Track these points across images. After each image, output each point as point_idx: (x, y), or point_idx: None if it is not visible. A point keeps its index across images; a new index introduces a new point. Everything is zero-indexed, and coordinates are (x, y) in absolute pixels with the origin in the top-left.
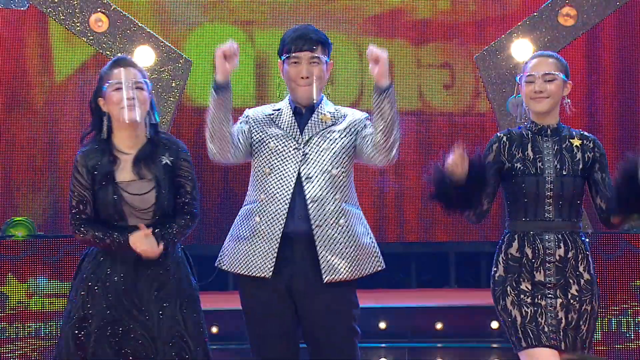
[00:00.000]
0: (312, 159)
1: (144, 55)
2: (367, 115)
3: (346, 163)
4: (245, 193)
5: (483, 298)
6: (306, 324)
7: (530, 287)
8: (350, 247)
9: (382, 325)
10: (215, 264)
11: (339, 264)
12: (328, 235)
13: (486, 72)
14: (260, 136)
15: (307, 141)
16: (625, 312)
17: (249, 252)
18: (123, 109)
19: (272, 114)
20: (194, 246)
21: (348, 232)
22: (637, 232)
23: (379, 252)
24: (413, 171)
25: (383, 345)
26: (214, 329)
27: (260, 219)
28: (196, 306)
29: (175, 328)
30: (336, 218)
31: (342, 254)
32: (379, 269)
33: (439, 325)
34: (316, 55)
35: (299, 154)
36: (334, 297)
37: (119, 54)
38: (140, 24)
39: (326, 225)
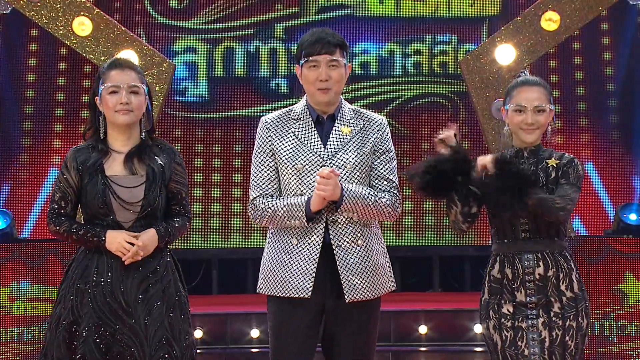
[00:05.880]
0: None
1: None
2: (385, 121)
3: (366, 182)
4: (225, 197)
5: (467, 302)
6: (330, 339)
7: (511, 310)
8: (369, 267)
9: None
10: (257, 291)
11: (358, 284)
12: (347, 256)
13: (470, 76)
14: (285, 163)
15: (331, 158)
16: (608, 316)
17: (288, 274)
18: (116, 113)
19: (293, 126)
20: (178, 250)
21: (366, 252)
22: (620, 236)
23: (392, 272)
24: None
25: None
26: (199, 333)
27: (298, 241)
28: (183, 311)
29: (161, 332)
30: (355, 239)
31: (362, 274)
32: (392, 289)
33: (422, 329)
34: (335, 58)
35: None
36: (358, 317)
37: (118, 55)
38: (123, 28)
39: (345, 246)
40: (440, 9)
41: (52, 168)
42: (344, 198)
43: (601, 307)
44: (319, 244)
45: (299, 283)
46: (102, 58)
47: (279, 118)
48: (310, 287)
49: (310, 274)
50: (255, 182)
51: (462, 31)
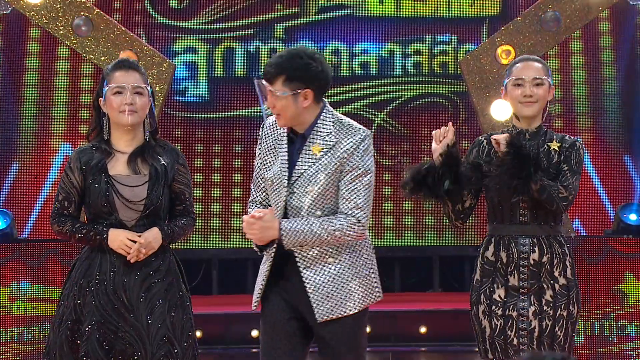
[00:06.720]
0: (296, 199)
1: None
2: (361, 136)
3: (332, 201)
4: (226, 197)
5: (467, 302)
6: (319, 348)
7: (503, 295)
8: (341, 285)
9: (367, 328)
10: None
11: (328, 303)
12: (316, 276)
13: (470, 76)
14: (264, 173)
15: (297, 179)
16: (608, 316)
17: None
18: (121, 113)
19: (278, 135)
20: (178, 251)
21: (340, 269)
22: (620, 236)
23: (379, 283)
24: (397, 175)
25: (367, 349)
26: (198, 333)
27: (264, 255)
28: (186, 311)
29: (162, 331)
30: (324, 258)
31: (332, 293)
32: (378, 299)
33: (422, 329)
34: (272, 88)
35: (285, 191)
36: (341, 329)
37: (121, 57)
38: (123, 28)
39: (313, 267)
40: (440, 9)
41: (52, 168)
42: (282, 237)
43: (601, 307)
44: (269, 261)
45: (254, 296)
46: (102, 58)
47: (276, 124)
48: (256, 302)
49: (259, 290)
50: (252, 184)
51: (462, 31)
